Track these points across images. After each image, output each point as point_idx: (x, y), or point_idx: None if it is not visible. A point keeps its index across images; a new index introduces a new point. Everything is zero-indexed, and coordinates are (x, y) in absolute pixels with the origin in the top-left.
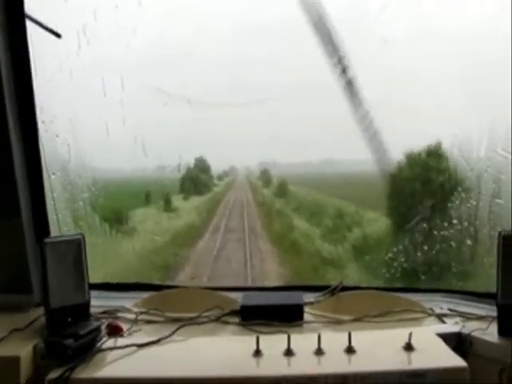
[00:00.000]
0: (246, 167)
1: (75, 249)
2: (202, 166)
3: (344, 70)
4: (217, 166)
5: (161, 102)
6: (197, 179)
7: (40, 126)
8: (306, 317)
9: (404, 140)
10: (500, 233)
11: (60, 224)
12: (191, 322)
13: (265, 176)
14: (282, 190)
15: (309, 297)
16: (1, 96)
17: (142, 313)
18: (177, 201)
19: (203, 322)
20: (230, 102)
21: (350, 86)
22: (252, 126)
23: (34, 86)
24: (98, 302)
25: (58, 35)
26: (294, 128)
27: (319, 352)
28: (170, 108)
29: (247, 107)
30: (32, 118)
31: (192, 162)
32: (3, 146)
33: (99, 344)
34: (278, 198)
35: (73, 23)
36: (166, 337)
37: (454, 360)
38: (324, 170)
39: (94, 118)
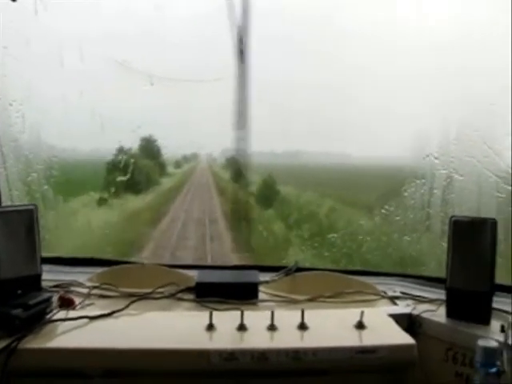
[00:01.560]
0: (208, 154)
1: (28, 219)
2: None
3: None
4: (174, 150)
5: (123, 77)
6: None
7: None
8: (261, 296)
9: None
10: (451, 218)
11: (12, 196)
12: (145, 296)
13: (231, 165)
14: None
15: (265, 276)
16: None
17: (95, 287)
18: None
19: (158, 298)
20: (193, 79)
21: None
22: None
23: None
24: (52, 276)
25: None
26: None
27: (272, 328)
28: (132, 84)
29: (211, 83)
30: None
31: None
32: None
33: (50, 315)
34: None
35: None
36: (119, 310)
37: (403, 338)
38: (289, 161)
39: (51, 88)
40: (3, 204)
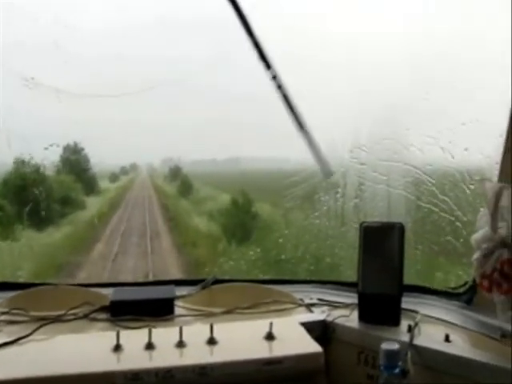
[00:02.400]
0: (148, 164)
1: None
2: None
3: None
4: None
5: (29, 92)
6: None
7: None
8: (178, 310)
9: None
10: (361, 224)
11: None
12: (57, 319)
13: (175, 176)
14: (194, 192)
15: (182, 290)
16: None
17: (3, 313)
18: None
19: (69, 320)
20: (103, 94)
21: None
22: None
23: None
24: None
25: None
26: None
27: (180, 344)
28: (40, 98)
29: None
30: None
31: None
32: None
33: None
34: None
35: None
36: (25, 336)
37: (311, 346)
38: (229, 168)
39: None
40: None
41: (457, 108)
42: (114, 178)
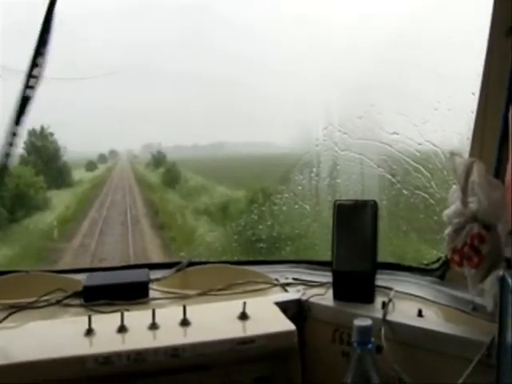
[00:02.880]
0: (128, 151)
1: None
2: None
3: None
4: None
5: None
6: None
7: None
8: (153, 294)
9: None
10: (335, 202)
11: None
12: (28, 306)
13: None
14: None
15: (155, 274)
16: None
17: None
18: None
19: (41, 307)
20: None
21: None
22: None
23: None
24: None
25: None
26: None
27: (153, 327)
28: (7, 82)
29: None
30: None
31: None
32: None
33: None
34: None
35: None
36: None
37: (285, 325)
38: (212, 153)
39: None
40: None
41: (430, 87)
42: (91, 166)
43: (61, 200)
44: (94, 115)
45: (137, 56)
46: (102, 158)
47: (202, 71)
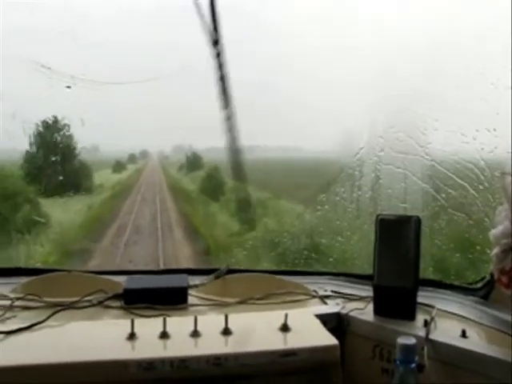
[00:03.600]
0: (159, 151)
1: None
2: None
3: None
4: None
5: (43, 78)
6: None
7: None
8: (191, 300)
9: None
10: (377, 216)
11: None
12: (70, 306)
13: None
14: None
15: (196, 280)
16: None
17: (18, 298)
18: None
19: (83, 307)
20: (118, 81)
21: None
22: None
23: None
24: None
25: None
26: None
27: (195, 334)
28: (54, 85)
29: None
30: None
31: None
32: None
33: None
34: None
35: None
36: (39, 322)
37: (327, 339)
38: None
39: None
40: None
41: (479, 100)
42: (118, 167)
43: (64, 216)
44: (129, 116)
45: (172, 59)
46: (132, 159)
47: (231, 74)
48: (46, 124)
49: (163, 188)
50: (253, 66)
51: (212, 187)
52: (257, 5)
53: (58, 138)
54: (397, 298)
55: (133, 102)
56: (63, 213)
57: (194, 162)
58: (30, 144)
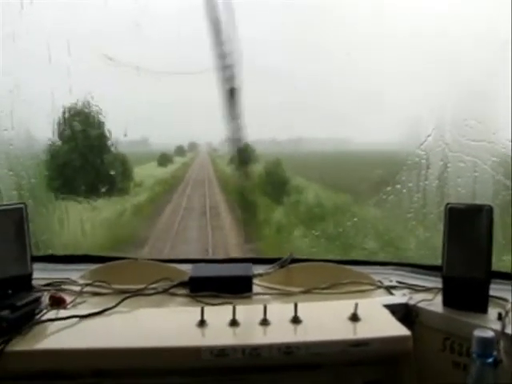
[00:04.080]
0: (207, 143)
1: (17, 218)
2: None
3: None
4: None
5: (110, 71)
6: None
7: None
8: (255, 289)
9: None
10: (447, 205)
11: (2, 194)
12: (138, 293)
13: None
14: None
15: (259, 269)
16: None
17: (87, 284)
18: None
19: (150, 294)
20: (183, 71)
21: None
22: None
23: None
24: (44, 274)
25: None
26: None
27: (264, 322)
28: (120, 77)
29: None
30: None
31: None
32: None
33: (39, 316)
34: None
35: None
36: (110, 308)
37: (398, 329)
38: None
39: (39, 85)
40: None
41: None
42: (164, 159)
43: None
44: (180, 107)
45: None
46: (180, 151)
47: (281, 65)
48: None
49: (213, 185)
50: (302, 54)
51: (273, 186)
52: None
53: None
54: (468, 290)
55: (185, 93)
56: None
57: (246, 155)
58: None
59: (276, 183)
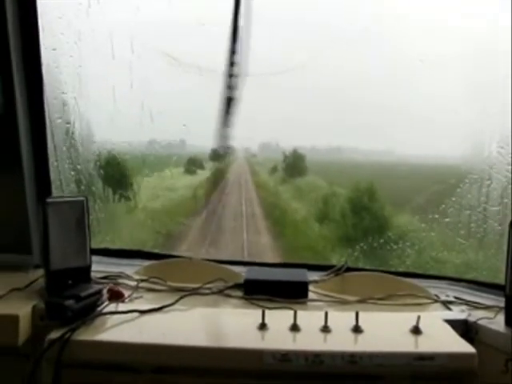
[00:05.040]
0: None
1: (78, 210)
2: None
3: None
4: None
5: (172, 69)
6: None
7: (46, 86)
8: (310, 295)
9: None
10: (511, 222)
11: (63, 187)
12: (194, 292)
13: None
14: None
15: (313, 275)
16: (7, 52)
17: (143, 280)
18: None
19: (206, 294)
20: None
21: None
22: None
23: (40, 45)
24: (99, 267)
25: None
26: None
27: (325, 329)
28: (180, 76)
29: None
30: (38, 78)
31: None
32: (9, 105)
33: (100, 308)
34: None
35: None
36: (169, 305)
37: (463, 346)
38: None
39: (102, 81)
40: (55, 195)
41: None
42: (192, 165)
43: None
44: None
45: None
46: (215, 155)
47: (322, 83)
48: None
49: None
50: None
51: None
52: None
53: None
54: None
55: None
56: None
57: (293, 164)
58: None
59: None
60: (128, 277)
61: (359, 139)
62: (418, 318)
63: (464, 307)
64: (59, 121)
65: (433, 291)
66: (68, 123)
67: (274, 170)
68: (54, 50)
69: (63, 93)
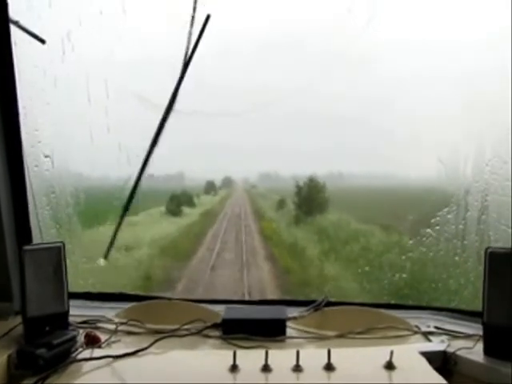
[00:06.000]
0: (244, 179)
1: (55, 257)
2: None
3: None
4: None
5: (146, 111)
6: None
7: (23, 134)
8: (290, 332)
9: None
10: (487, 249)
11: (42, 232)
12: (171, 334)
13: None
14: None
15: (293, 311)
16: None
17: (122, 323)
18: None
19: (184, 335)
20: (220, 111)
21: None
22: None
23: (17, 92)
24: (80, 311)
25: (42, 41)
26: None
27: (297, 369)
28: (155, 117)
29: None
30: (15, 125)
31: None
32: None
33: (75, 354)
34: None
35: (57, 29)
36: (143, 349)
37: (435, 379)
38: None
39: (79, 125)
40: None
41: None
42: (176, 204)
43: None
44: (213, 146)
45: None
46: (210, 187)
47: (319, 108)
48: None
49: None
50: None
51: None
52: None
53: None
54: (511, 339)
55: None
56: None
57: (309, 196)
58: None
59: None
60: (108, 320)
61: (357, 165)
62: (392, 352)
63: (444, 337)
64: (36, 169)
65: (414, 322)
66: (47, 170)
67: (279, 203)
68: (30, 99)
69: (39, 142)
